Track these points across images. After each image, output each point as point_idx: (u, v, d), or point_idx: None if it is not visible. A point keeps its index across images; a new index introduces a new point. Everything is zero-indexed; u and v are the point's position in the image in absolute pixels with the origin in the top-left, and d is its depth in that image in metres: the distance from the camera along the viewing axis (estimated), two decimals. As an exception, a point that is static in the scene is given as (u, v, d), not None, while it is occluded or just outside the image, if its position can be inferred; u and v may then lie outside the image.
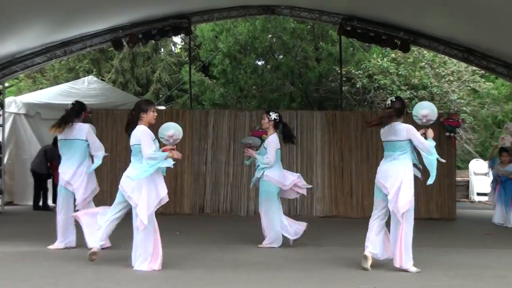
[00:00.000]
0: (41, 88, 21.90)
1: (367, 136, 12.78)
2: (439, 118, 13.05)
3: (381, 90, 21.01)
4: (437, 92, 20.59)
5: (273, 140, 8.35)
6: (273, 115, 8.47)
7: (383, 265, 6.77)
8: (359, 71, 20.70)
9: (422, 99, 19.99)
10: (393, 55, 20.62)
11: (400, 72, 20.48)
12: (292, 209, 12.81)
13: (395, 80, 20.45)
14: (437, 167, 6.43)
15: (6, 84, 14.81)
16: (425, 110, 6.92)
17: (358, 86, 21.00)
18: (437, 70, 20.77)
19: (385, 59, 20.72)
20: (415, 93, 20.21)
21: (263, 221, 8.41)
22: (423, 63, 20.83)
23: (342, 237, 9.50)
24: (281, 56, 22.93)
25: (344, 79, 19.06)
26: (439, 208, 12.92)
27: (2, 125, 13.44)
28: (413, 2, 11.77)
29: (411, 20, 13.52)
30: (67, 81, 20.86)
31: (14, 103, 14.85)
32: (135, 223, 6.39)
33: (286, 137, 8.57)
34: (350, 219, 12.31)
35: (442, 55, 17.93)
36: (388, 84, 20.64)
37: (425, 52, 20.01)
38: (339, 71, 17.88)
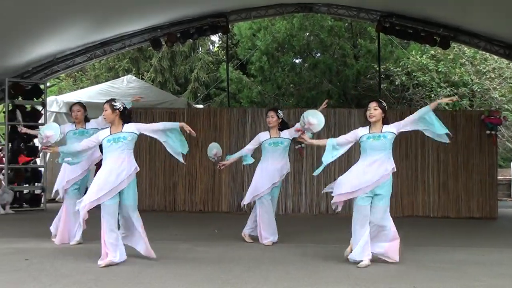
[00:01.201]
0: (81, 87, 22.29)
1: (406, 134, 12.61)
2: (480, 116, 12.89)
3: (420, 88, 20.78)
4: (478, 90, 20.27)
5: None
6: (281, 113, 8.53)
7: (424, 264, 6.71)
8: (398, 68, 20.50)
9: (462, 96, 19.73)
10: (432, 51, 20.37)
11: (439, 69, 20.22)
12: (330, 208, 12.70)
13: (435, 77, 20.19)
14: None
15: (48, 84, 15.11)
16: (315, 120, 7.21)
17: (397, 83, 20.82)
18: (478, 67, 20.44)
19: (424, 56, 20.47)
20: (455, 91, 19.92)
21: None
22: (464, 60, 20.50)
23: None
24: (318, 54, 22.85)
25: (382, 76, 18.90)
26: (480, 207, 12.71)
27: (44, 124, 13.69)
28: (453, -1, 11.64)
29: (451, 17, 13.33)
30: (107, 80, 21.19)
31: (56, 102, 15.13)
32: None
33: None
34: (389, 218, 12.20)
35: (483, 52, 17.62)
36: (428, 81, 20.40)
37: (465, 48, 19.70)
38: (377, 68, 17.73)
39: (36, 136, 9.93)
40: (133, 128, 6.75)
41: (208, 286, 5.50)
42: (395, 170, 6.85)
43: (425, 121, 6.69)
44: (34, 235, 8.78)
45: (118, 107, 6.69)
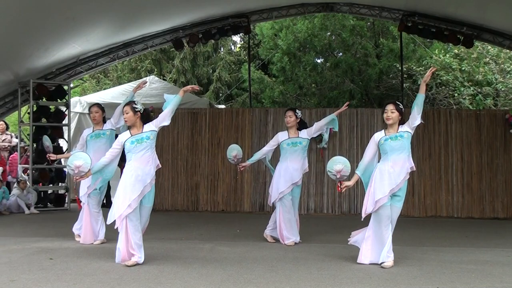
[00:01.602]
0: (104, 89, 22.44)
1: (429, 134, 12.57)
2: (505, 115, 12.76)
3: (443, 87, 20.58)
4: (502, 89, 20.03)
5: None
6: (299, 113, 8.56)
7: (448, 264, 6.66)
8: (421, 68, 20.32)
9: (486, 95, 19.52)
10: (455, 50, 20.16)
11: (463, 68, 20.01)
12: (353, 208, 12.70)
13: (458, 76, 20.00)
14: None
15: (72, 85, 15.24)
16: (339, 165, 6.99)
17: (419, 83, 20.63)
18: (502, 65, 20.18)
19: (447, 55, 20.27)
20: (479, 90, 19.71)
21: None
22: (487, 59, 20.26)
23: (402, 236, 9.34)
24: (340, 54, 22.75)
25: (405, 76, 18.75)
26: (505, 208, 12.57)
27: (68, 125, 13.83)
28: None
29: (474, 15, 13.20)
30: (129, 81, 21.33)
31: (79, 103, 15.28)
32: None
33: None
34: (412, 218, 12.06)
35: (507, 50, 17.42)
36: (451, 80, 20.20)
37: (489, 47, 19.48)
38: (399, 67, 17.62)
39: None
40: (152, 127, 6.84)
41: (231, 286, 5.52)
42: (414, 169, 6.87)
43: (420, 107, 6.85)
44: (58, 235, 8.89)
45: (139, 109, 6.78)
